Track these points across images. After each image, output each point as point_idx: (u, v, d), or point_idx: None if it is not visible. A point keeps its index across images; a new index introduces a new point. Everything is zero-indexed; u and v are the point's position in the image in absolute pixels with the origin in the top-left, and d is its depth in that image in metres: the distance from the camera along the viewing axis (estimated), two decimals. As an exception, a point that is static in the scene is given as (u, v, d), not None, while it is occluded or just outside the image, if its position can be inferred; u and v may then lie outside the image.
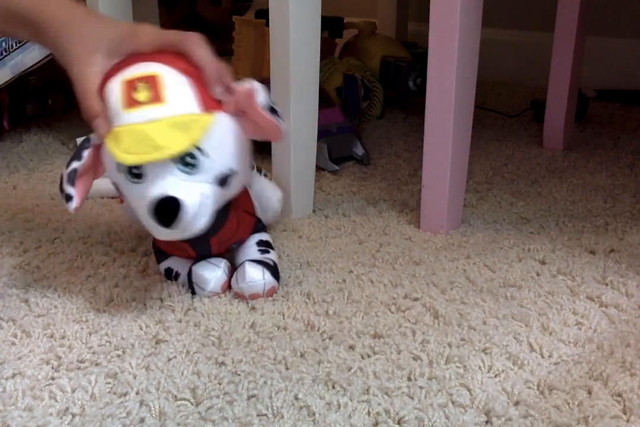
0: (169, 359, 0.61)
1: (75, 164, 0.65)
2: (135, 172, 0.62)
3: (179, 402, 0.56)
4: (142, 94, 0.62)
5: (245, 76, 0.73)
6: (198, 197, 0.62)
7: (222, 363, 0.61)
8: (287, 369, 0.60)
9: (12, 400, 0.56)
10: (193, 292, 0.72)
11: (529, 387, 0.58)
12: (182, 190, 0.61)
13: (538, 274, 0.77)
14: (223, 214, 0.68)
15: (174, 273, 0.74)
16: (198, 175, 0.63)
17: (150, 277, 0.76)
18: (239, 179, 0.67)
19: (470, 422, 0.54)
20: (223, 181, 0.65)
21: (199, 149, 0.62)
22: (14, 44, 1.12)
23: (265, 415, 0.54)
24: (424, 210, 0.88)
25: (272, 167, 0.91)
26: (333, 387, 0.58)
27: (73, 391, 0.57)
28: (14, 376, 0.59)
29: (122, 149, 0.61)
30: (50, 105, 1.32)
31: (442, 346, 0.63)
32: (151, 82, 0.62)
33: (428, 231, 0.88)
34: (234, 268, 0.73)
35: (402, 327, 0.66)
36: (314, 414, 0.54)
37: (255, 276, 0.70)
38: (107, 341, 0.64)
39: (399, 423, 0.54)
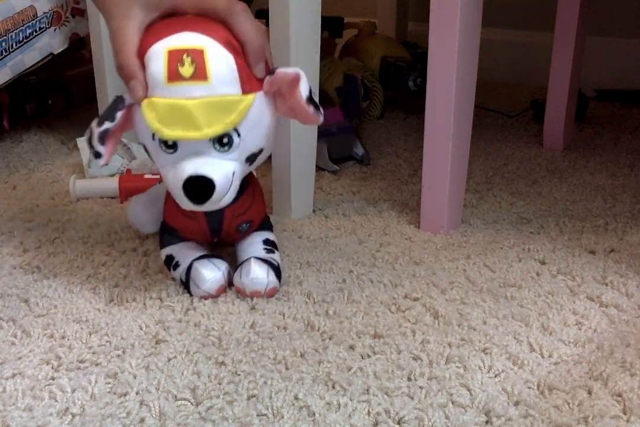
0: (169, 359, 0.61)
1: (107, 125, 0.63)
2: (170, 144, 0.63)
3: (179, 402, 0.56)
4: (187, 69, 0.61)
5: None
6: (229, 177, 0.63)
7: (222, 363, 0.61)
8: (287, 369, 0.60)
9: (12, 400, 0.56)
10: (186, 288, 0.72)
11: (529, 387, 0.58)
12: (214, 169, 0.62)
13: (538, 274, 0.77)
14: (240, 186, 0.68)
15: (174, 262, 0.74)
16: (230, 155, 0.64)
17: (150, 277, 0.76)
18: (265, 155, 0.68)
19: (470, 422, 0.54)
20: (252, 159, 0.66)
21: (236, 131, 0.63)
22: (14, 44, 1.12)
23: (265, 415, 0.54)
24: (424, 210, 0.88)
25: (272, 167, 0.91)
26: (333, 387, 0.58)
27: (73, 391, 0.57)
28: (14, 376, 0.59)
29: (160, 121, 0.61)
30: (50, 105, 1.32)
31: (442, 346, 0.63)
32: (197, 56, 0.61)
33: (428, 231, 0.88)
34: (234, 270, 0.73)
35: (402, 327, 0.66)
36: (314, 414, 0.54)
37: (259, 273, 0.70)
38: (107, 341, 0.64)
39: (399, 423, 0.54)
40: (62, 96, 1.34)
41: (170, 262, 0.74)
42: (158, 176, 1.00)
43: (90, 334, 0.65)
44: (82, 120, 1.31)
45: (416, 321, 0.68)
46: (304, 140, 0.89)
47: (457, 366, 0.60)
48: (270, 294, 0.71)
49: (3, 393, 0.57)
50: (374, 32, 1.50)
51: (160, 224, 0.77)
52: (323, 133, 1.08)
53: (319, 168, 1.04)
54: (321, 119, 0.65)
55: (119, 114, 0.64)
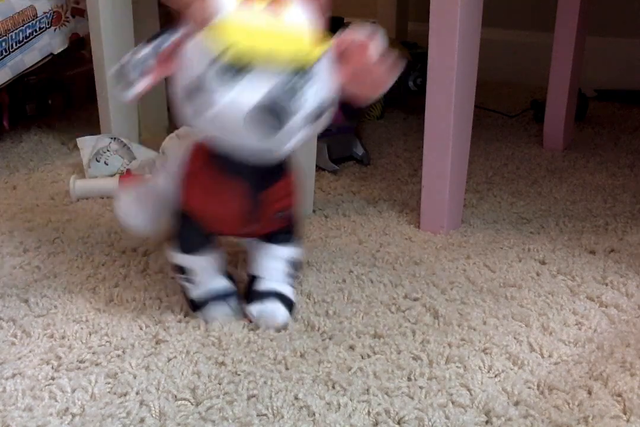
0: (169, 359, 0.61)
1: (166, 36, 0.57)
2: (236, 68, 0.55)
3: (179, 402, 0.56)
4: (260, 2, 0.56)
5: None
6: (300, 111, 0.57)
7: (222, 363, 0.61)
8: (287, 369, 0.60)
9: (12, 400, 0.56)
10: (191, 306, 0.68)
11: (529, 387, 0.58)
12: (286, 100, 0.55)
13: (538, 274, 0.77)
14: (282, 167, 0.64)
15: (188, 276, 0.67)
16: (301, 97, 0.57)
17: (150, 277, 0.76)
18: (325, 120, 0.62)
19: (470, 422, 0.54)
20: (318, 114, 0.59)
21: (303, 76, 0.56)
22: (14, 44, 1.12)
23: (265, 415, 0.54)
24: (424, 210, 0.88)
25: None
26: (333, 387, 0.58)
27: (73, 391, 0.57)
28: (14, 376, 0.59)
29: (236, 36, 0.54)
30: (50, 105, 1.32)
31: (442, 346, 0.63)
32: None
33: (428, 231, 0.88)
34: (247, 284, 0.69)
35: (402, 327, 0.66)
36: (314, 414, 0.54)
37: (276, 311, 0.67)
38: (107, 341, 0.64)
39: (399, 423, 0.54)
40: (62, 96, 1.34)
41: (183, 273, 0.67)
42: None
43: (90, 334, 0.65)
44: (82, 120, 1.32)
45: (416, 321, 0.68)
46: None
47: (457, 366, 0.60)
48: (281, 329, 0.67)
49: (3, 393, 0.57)
50: (374, 32, 1.50)
51: (177, 218, 0.66)
52: (323, 133, 1.08)
53: (319, 168, 1.04)
54: (391, 80, 0.60)
55: (174, 38, 0.57)
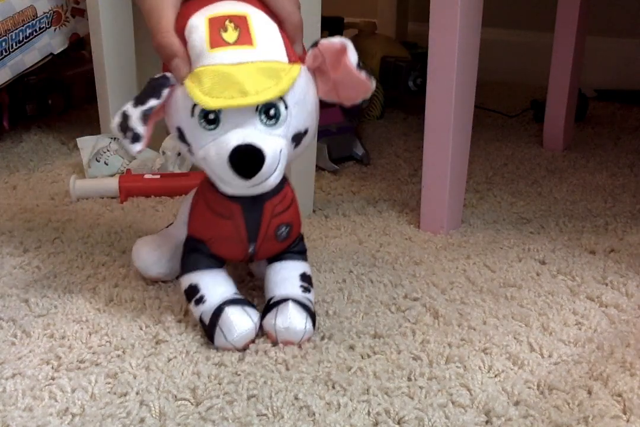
0: (169, 359, 0.61)
1: (153, 102, 0.57)
2: (211, 118, 0.57)
3: (179, 402, 0.56)
4: (230, 35, 0.57)
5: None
6: (277, 152, 0.58)
7: (222, 363, 0.61)
8: (287, 369, 0.60)
9: (12, 400, 0.56)
10: (208, 333, 0.63)
11: (529, 387, 0.58)
12: (262, 140, 0.57)
13: (538, 274, 0.77)
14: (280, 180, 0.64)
15: (198, 295, 0.64)
16: (277, 130, 0.58)
17: (150, 277, 0.76)
18: (309, 140, 0.63)
19: (470, 422, 0.54)
20: (297, 139, 0.60)
21: (283, 101, 0.58)
22: (14, 44, 1.12)
23: (265, 415, 0.54)
24: (424, 210, 0.88)
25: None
26: (333, 387, 0.58)
27: (73, 391, 0.57)
28: (14, 376, 0.59)
29: (204, 92, 0.56)
30: (50, 105, 1.32)
31: (442, 346, 0.63)
32: (240, 22, 0.57)
33: (428, 231, 0.88)
34: (263, 310, 0.65)
35: (402, 327, 0.66)
36: (314, 414, 0.54)
37: (297, 322, 0.62)
38: (107, 341, 0.64)
39: (399, 423, 0.54)
40: (62, 96, 1.34)
41: (194, 294, 0.64)
42: (158, 176, 1.00)
43: (90, 334, 0.65)
44: (82, 120, 1.32)
45: (416, 321, 0.68)
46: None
47: (457, 366, 0.60)
48: (303, 343, 0.63)
49: (3, 393, 0.57)
50: (374, 32, 1.50)
51: (184, 244, 0.67)
52: (323, 133, 1.09)
53: (319, 168, 1.04)
54: (374, 85, 0.60)
55: (166, 92, 0.58)
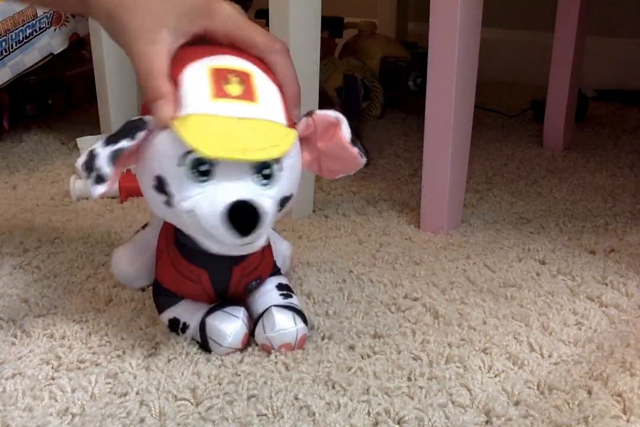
0: (169, 360, 0.61)
1: (124, 143, 0.53)
2: (204, 169, 0.53)
3: (179, 402, 0.56)
4: (234, 88, 0.54)
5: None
6: (271, 207, 0.55)
7: (222, 363, 0.61)
8: (287, 369, 0.60)
9: (12, 400, 0.56)
10: (206, 349, 0.62)
11: (529, 387, 0.58)
12: (258, 198, 0.54)
13: (538, 274, 0.77)
14: None
15: (180, 325, 0.64)
16: (268, 190, 0.55)
17: (150, 277, 0.76)
18: (291, 204, 0.60)
19: (470, 422, 0.54)
20: (283, 203, 0.57)
21: (279, 163, 0.55)
22: (14, 44, 1.12)
23: (265, 415, 0.54)
24: (424, 210, 0.88)
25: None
26: (333, 387, 0.58)
27: (73, 391, 0.57)
28: (14, 376, 0.59)
29: (200, 140, 0.52)
30: (50, 105, 1.32)
31: (442, 346, 0.63)
32: (245, 78, 0.55)
33: (428, 231, 0.88)
34: (252, 319, 0.65)
35: (402, 327, 0.66)
36: (314, 414, 0.54)
37: (285, 323, 0.61)
38: (107, 341, 0.64)
39: (399, 423, 0.54)
40: (62, 96, 1.34)
41: (177, 326, 0.64)
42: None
43: (90, 334, 0.65)
44: (82, 120, 1.32)
45: (416, 321, 0.68)
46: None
47: (457, 366, 0.60)
48: (301, 343, 0.62)
49: (3, 393, 0.57)
50: (374, 32, 1.50)
51: (153, 285, 0.67)
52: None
53: (319, 168, 1.04)
54: (364, 161, 0.60)
55: (141, 135, 0.54)
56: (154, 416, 0.54)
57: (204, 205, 0.53)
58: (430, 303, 0.71)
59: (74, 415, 0.54)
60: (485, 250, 0.83)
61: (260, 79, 0.56)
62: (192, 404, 0.56)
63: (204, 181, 0.54)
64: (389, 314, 0.69)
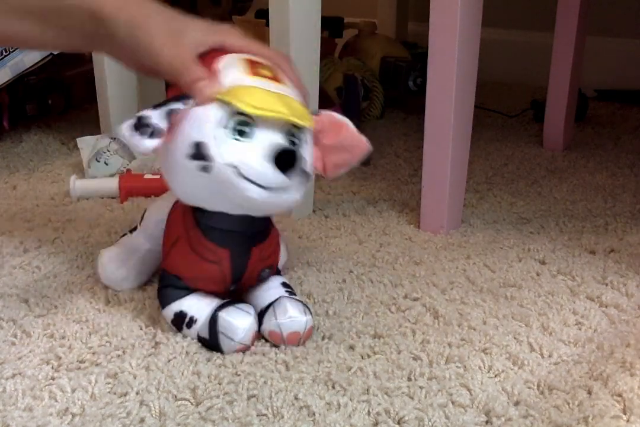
0: (169, 360, 0.61)
1: (176, 105, 0.58)
2: (243, 130, 0.58)
3: (179, 402, 0.56)
4: (265, 71, 0.61)
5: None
6: (305, 163, 0.61)
7: (222, 363, 0.61)
8: (287, 369, 0.60)
9: (12, 400, 0.56)
10: (213, 345, 0.62)
11: (529, 387, 0.58)
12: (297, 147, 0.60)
13: (538, 274, 0.77)
14: (268, 223, 0.65)
15: (187, 318, 0.63)
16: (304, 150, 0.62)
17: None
18: (304, 188, 0.62)
19: (470, 422, 0.54)
20: (305, 178, 0.61)
21: (303, 136, 0.61)
22: (14, 44, 1.12)
23: (265, 415, 0.54)
24: (424, 210, 0.88)
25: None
26: (333, 387, 0.58)
27: (73, 391, 0.57)
28: (14, 376, 0.59)
29: (245, 102, 0.57)
30: (50, 105, 1.32)
31: (442, 346, 0.63)
32: (272, 69, 0.62)
33: (428, 231, 0.88)
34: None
35: (402, 327, 0.66)
36: (314, 414, 0.54)
37: (296, 311, 0.63)
38: (107, 341, 0.64)
39: (399, 423, 0.54)
40: (62, 96, 1.34)
41: (182, 320, 0.63)
42: (158, 176, 1.00)
43: (90, 334, 0.65)
44: (82, 120, 1.32)
45: (416, 321, 0.68)
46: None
47: (457, 366, 0.60)
48: (308, 335, 0.63)
49: (3, 393, 0.57)
50: (374, 32, 1.50)
51: (161, 277, 0.67)
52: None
53: (319, 168, 1.04)
54: (369, 147, 0.67)
55: (190, 101, 0.59)
56: (154, 416, 0.54)
57: (248, 153, 0.58)
58: (430, 303, 0.71)
59: (74, 415, 0.54)
60: (485, 250, 0.83)
61: (283, 76, 0.63)
62: (192, 404, 0.56)
63: (244, 141, 0.58)
64: (389, 314, 0.69)
